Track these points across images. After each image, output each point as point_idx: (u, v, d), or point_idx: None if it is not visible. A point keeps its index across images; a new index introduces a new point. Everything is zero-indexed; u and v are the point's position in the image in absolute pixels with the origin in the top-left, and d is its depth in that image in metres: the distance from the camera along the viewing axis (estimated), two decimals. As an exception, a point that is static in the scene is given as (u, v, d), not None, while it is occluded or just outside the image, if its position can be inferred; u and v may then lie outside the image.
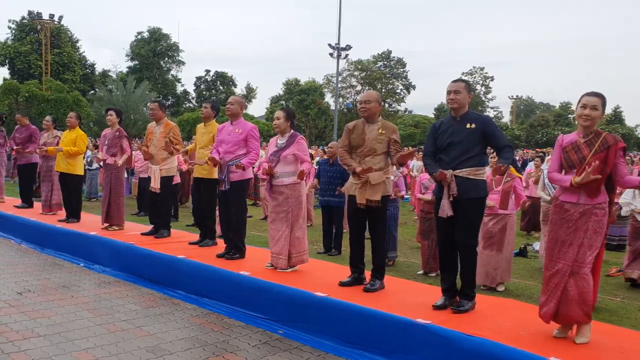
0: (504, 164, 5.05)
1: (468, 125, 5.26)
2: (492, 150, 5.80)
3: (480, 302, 5.49)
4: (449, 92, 5.35)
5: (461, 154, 5.25)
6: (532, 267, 9.48)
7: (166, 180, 8.59)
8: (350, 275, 6.19)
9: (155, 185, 8.51)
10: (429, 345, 4.68)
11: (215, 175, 7.74)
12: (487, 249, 7.67)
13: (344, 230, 10.15)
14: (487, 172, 5.55)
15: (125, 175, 13.80)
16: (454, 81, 5.41)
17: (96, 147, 18.33)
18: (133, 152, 10.83)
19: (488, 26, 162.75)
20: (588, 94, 4.57)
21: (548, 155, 20.46)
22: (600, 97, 4.55)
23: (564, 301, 4.57)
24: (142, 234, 8.82)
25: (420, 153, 18.31)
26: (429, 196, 8.28)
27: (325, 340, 5.35)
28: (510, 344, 4.36)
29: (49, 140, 10.79)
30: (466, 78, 62.13)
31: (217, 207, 8.06)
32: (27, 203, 11.54)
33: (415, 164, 18.27)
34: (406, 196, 17.73)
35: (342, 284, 6.07)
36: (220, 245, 7.77)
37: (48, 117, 11.27)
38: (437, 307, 5.31)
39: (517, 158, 23.45)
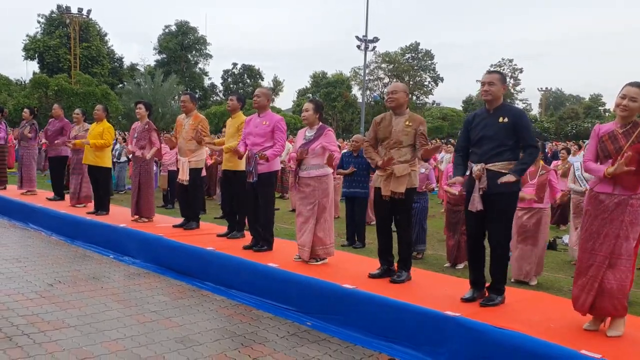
0: (516, 174, 5.02)
1: (501, 119, 5.13)
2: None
3: (510, 295, 5.43)
4: (482, 84, 5.25)
5: (493, 148, 5.13)
6: (561, 260, 9.37)
7: (195, 172, 8.63)
8: (379, 267, 6.17)
9: (183, 177, 8.54)
10: (458, 338, 4.64)
11: (243, 167, 7.75)
12: (521, 243, 7.58)
13: (371, 223, 10.11)
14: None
15: (155, 169, 13.93)
16: (489, 72, 5.31)
17: (125, 140, 18.55)
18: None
19: (518, 19, 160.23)
20: (630, 84, 4.47)
21: (578, 147, 20.30)
22: None
23: (601, 293, 4.47)
24: (174, 226, 8.85)
25: (449, 146, 18.32)
26: (455, 189, 8.19)
27: (353, 332, 5.34)
28: (541, 336, 4.30)
29: (80, 134, 10.79)
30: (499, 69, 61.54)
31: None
32: (59, 195, 11.65)
33: (444, 156, 18.12)
34: (435, 188, 17.61)
35: (371, 276, 6.05)
36: (248, 237, 7.78)
37: (77, 110, 11.29)
38: (465, 300, 5.27)
39: (546, 150, 23.27)
